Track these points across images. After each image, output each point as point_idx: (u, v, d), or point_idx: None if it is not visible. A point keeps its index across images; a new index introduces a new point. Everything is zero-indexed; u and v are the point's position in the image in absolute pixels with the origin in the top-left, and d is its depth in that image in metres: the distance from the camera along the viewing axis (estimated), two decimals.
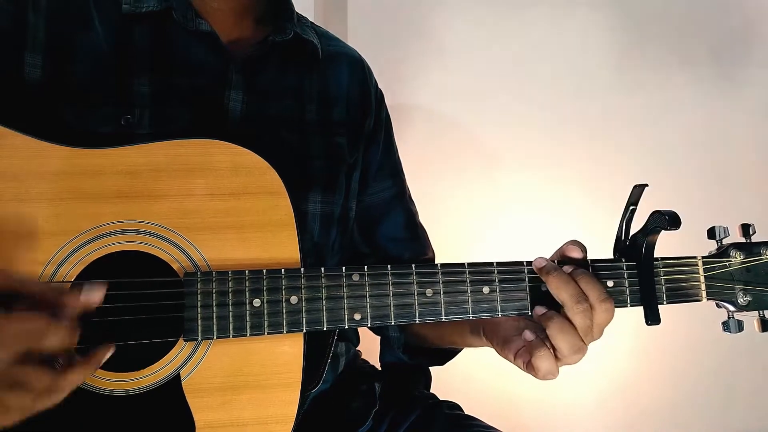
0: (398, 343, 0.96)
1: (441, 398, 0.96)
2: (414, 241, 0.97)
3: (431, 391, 1.00)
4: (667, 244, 0.74)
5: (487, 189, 1.51)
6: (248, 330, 0.66)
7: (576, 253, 0.73)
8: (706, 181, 1.56)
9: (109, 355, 0.60)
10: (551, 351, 0.69)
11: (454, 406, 0.95)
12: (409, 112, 1.48)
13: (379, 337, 1.01)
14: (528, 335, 0.72)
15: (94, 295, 0.59)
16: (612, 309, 0.69)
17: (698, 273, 0.74)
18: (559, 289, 0.69)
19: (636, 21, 1.54)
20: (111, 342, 0.60)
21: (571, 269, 0.71)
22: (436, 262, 0.97)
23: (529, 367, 0.72)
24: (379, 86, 0.98)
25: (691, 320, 1.29)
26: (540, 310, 0.71)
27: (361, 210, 0.93)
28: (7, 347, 0.53)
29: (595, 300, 0.68)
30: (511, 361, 0.76)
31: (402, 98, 1.46)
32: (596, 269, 0.73)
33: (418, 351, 0.96)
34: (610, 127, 1.53)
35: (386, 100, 0.99)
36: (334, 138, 0.87)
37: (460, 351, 0.96)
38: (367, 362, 1.01)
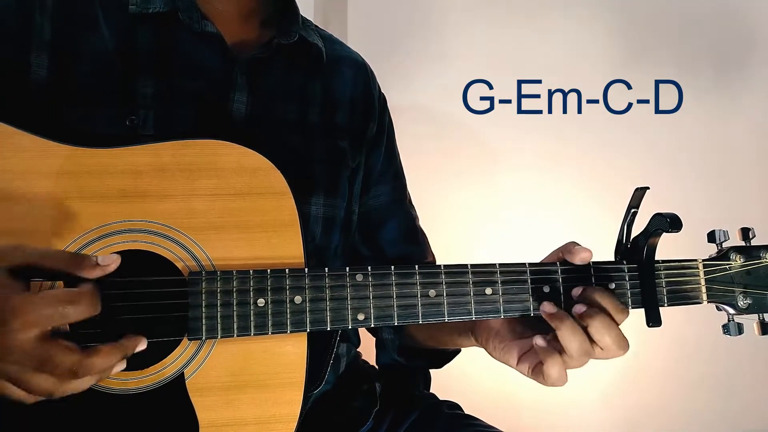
0: (393, 346, 0.96)
1: (441, 398, 0.97)
2: (414, 245, 0.98)
3: (431, 391, 1.00)
4: (667, 247, 0.75)
5: (487, 189, 1.51)
6: (252, 330, 0.66)
7: (581, 260, 0.72)
8: (706, 184, 1.56)
9: (139, 347, 0.61)
10: (561, 356, 0.68)
11: (454, 406, 0.95)
12: (409, 112, 1.49)
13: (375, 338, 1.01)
14: (540, 341, 0.69)
15: (110, 263, 0.59)
16: (625, 350, 0.69)
17: (699, 276, 0.74)
18: (569, 339, 0.67)
19: (636, 22, 1.55)
20: (142, 335, 0.61)
21: (583, 309, 0.68)
22: (439, 263, 0.97)
23: (536, 372, 0.71)
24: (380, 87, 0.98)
25: (691, 322, 1.29)
26: (550, 308, 0.69)
27: (362, 213, 0.93)
28: (33, 325, 0.53)
29: (609, 345, 0.67)
30: (511, 366, 0.75)
31: (402, 98, 1.46)
32: (598, 272, 0.73)
33: (414, 353, 0.96)
34: (612, 129, 1.54)
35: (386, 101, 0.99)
36: (336, 141, 0.87)
37: (456, 353, 0.96)
38: (367, 362, 1.01)
